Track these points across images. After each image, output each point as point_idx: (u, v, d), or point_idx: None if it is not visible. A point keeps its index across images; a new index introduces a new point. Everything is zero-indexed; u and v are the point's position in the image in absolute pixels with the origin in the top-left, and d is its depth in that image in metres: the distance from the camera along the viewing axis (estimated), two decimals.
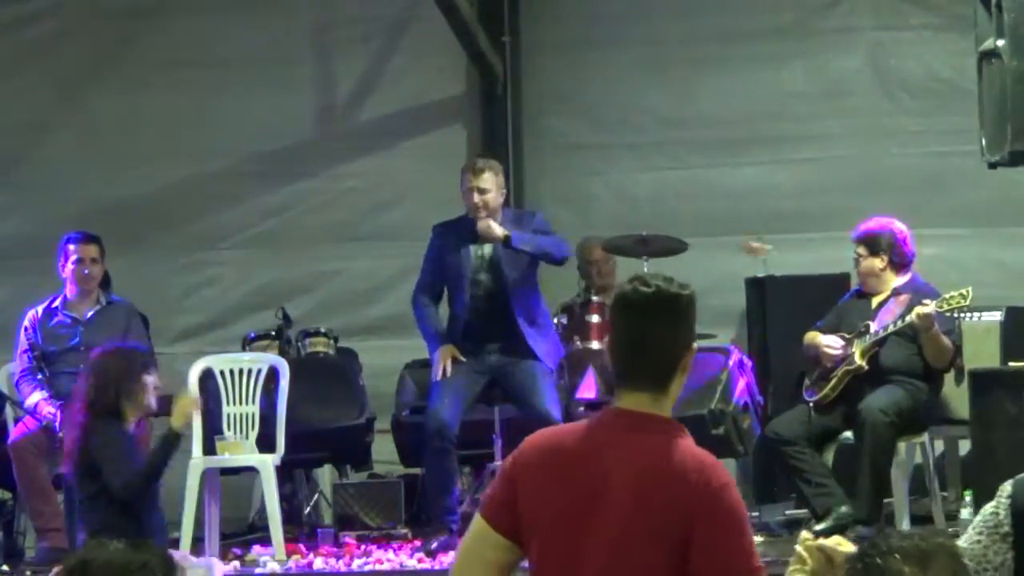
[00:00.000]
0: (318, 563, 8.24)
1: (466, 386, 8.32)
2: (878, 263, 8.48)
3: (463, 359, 8.34)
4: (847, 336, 8.45)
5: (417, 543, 8.47)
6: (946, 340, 8.23)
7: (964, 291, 8.09)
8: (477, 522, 3.88)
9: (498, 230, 8.22)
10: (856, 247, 8.56)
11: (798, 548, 3.62)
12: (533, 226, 8.40)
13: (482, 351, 8.34)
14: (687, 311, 3.84)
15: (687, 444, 3.79)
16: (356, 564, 8.16)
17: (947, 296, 8.14)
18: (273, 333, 10.08)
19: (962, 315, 8.43)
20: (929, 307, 8.11)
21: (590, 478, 3.76)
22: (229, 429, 8.77)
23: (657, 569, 3.69)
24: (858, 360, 8.34)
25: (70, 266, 8.94)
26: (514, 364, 8.27)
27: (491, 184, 8.32)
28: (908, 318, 8.21)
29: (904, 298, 8.40)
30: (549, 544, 3.78)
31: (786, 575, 3.58)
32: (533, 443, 3.88)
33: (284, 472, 9.22)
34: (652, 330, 3.81)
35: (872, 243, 8.50)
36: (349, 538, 8.84)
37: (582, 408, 9.07)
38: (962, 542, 3.88)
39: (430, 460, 8.32)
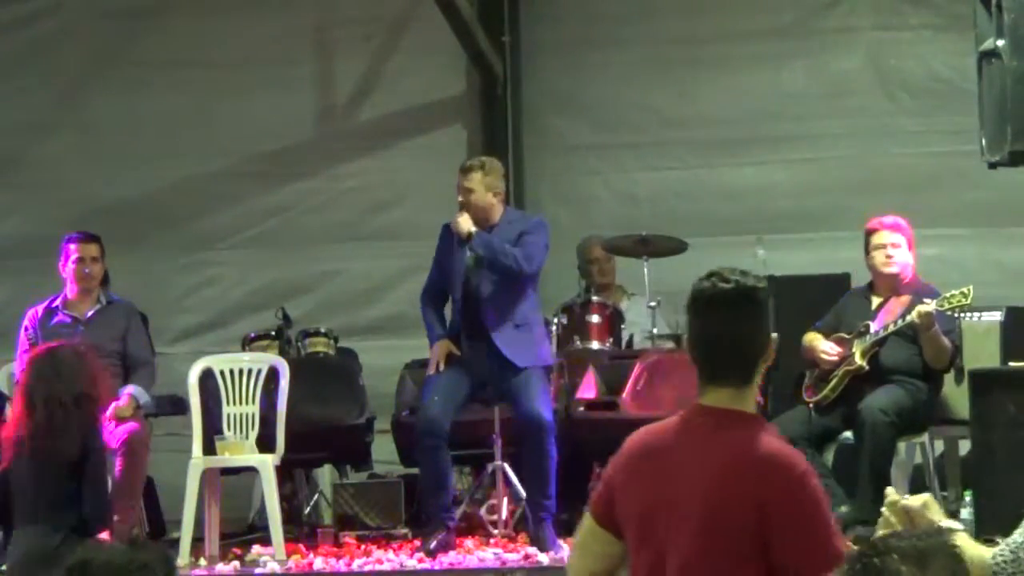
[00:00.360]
0: (318, 563, 8.23)
1: (457, 384, 8.31)
2: (912, 258, 8.49)
3: (458, 354, 8.35)
4: (847, 336, 8.45)
5: (417, 543, 8.47)
6: (946, 340, 8.23)
7: (965, 290, 8.08)
8: (586, 518, 4.09)
9: (463, 227, 8.24)
10: (891, 236, 8.47)
11: (884, 511, 3.62)
12: (523, 228, 8.36)
13: (475, 350, 8.33)
14: (765, 303, 3.98)
15: (765, 437, 3.90)
16: (356, 564, 8.15)
17: (948, 295, 8.13)
18: (273, 333, 10.08)
19: (962, 315, 8.42)
20: (930, 306, 8.11)
21: (674, 478, 3.88)
22: (229, 429, 8.76)
23: (740, 561, 3.79)
24: (858, 360, 8.34)
25: (71, 266, 8.94)
26: (504, 366, 8.24)
27: (478, 184, 8.31)
28: (909, 318, 8.21)
29: (905, 299, 8.39)
30: (640, 538, 3.92)
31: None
32: (627, 443, 4.05)
33: (284, 472, 9.21)
34: (734, 325, 3.92)
35: (910, 238, 8.50)
36: (349, 538, 8.83)
37: (582, 408, 9.07)
38: (1017, 535, 3.88)
39: (422, 457, 8.32)
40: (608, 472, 4.06)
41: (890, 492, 3.71)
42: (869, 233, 8.56)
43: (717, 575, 3.81)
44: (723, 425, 3.89)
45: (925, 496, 3.67)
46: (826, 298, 8.97)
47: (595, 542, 4.06)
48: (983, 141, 7.61)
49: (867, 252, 8.56)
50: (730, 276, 3.96)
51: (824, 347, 8.44)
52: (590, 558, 4.08)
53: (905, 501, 3.62)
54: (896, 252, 8.46)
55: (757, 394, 4.02)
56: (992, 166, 7.66)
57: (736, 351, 3.92)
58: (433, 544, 8.17)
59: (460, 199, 8.34)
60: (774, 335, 3.98)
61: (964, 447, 8.71)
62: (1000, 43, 7.36)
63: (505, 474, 8.65)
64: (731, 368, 3.92)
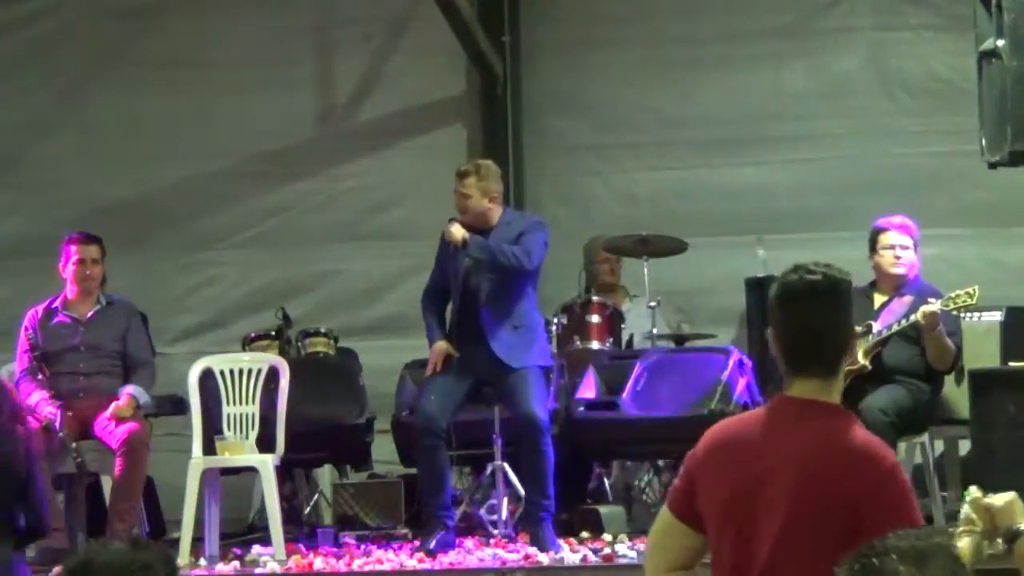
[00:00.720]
0: (318, 563, 8.23)
1: (456, 384, 8.32)
2: (918, 259, 8.50)
3: (457, 355, 8.35)
4: None
5: (417, 543, 8.47)
6: (949, 341, 8.23)
7: (971, 290, 8.08)
8: (663, 513, 4.08)
9: (457, 235, 8.24)
10: (900, 238, 8.48)
11: (965, 508, 3.62)
12: (521, 228, 8.36)
13: (473, 351, 8.33)
14: (848, 295, 4.04)
15: (853, 429, 3.94)
16: (356, 564, 8.15)
17: (953, 295, 8.13)
18: (273, 333, 10.08)
19: (963, 315, 8.43)
20: (935, 306, 8.11)
21: (758, 465, 3.89)
22: (229, 429, 8.76)
23: (826, 553, 3.76)
24: (861, 360, 8.33)
25: (71, 266, 8.93)
26: (500, 367, 8.24)
27: (473, 189, 8.31)
28: (913, 317, 8.21)
29: (908, 299, 8.40)
30: (723, 530, 3.92)
31: (954, 537, 3.56)
32: (709, 435, 4.05)
33: (284, 472, 9.22)
34: (821, 316, 3.97)
35: (917, 239, 8.50)
36: (349, 538, 8.84)
37: (582, 408, 9.06)
38: None
39: (421, 457, 8.33)
40: (687, 466, 4.05)
41: (973, 490, 3.72)
42: (877, 232, 8.56)
43: (805, 565, 3.81)
44: (809, 416, 3.93)
45: (1009, 495, 3.65)
46: None
47: (673, 537, 4.03)
48: (983, 141, 7.61)
49: (873, 251, 8.56)
50: (815, 268, 4.01)
51: None
52: (668, 553, 4.04)
53: (988, 500, 3.61)
54: (904, 254, 8.47)
55: (842, 387, 4.03)
56: (992, 166, 7.67)
57: (822, 342, 3.96)
58: (433, 544, 8.17)
59: (456, 204, 8.35)
60: (857, 329, 4.02)
61: (964, 447, 8.71)
62: (1000, 43, 7.36)
63: (505, 474, 8.65)
64: (817, 359, 3.96)
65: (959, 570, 3.17)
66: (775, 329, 4.05)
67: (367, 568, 8.06)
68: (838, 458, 3.86)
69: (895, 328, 8.31)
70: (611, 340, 9.55)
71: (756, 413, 4.07)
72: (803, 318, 3.98)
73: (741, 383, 8.89)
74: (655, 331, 9.61)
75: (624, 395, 8.97)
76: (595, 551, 8.10)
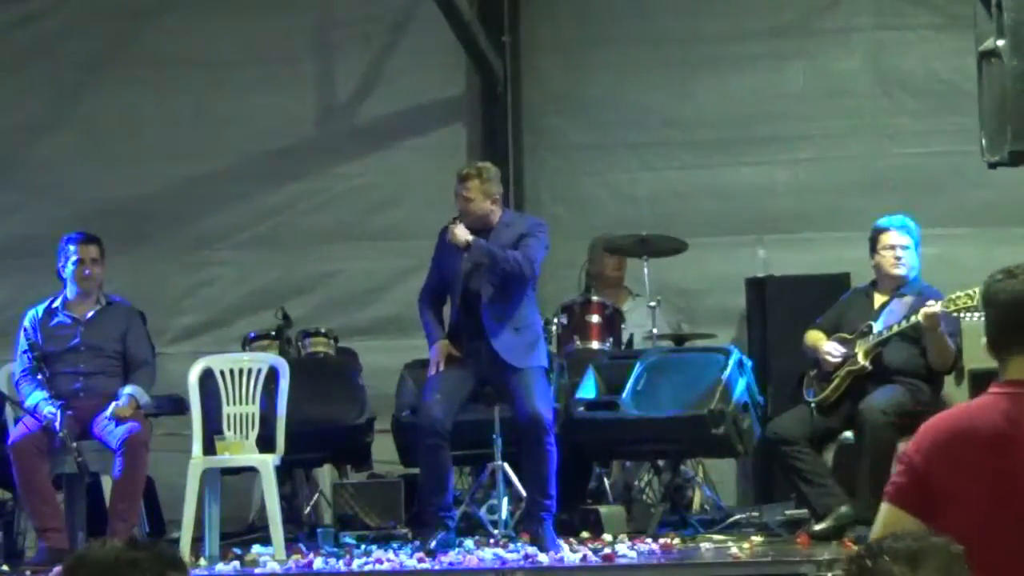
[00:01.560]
0: (318, 563, 8.23)
1: (459, 384, 8.32)
2: (918, 260, 8.50)
3: (458, 355, 8.35)
4: (848, 336, 8.45)
5: (417, 543, 8.47)
6: (950, 342, 8.23)
7: (971, 291, 8.07)
8: (888, 512, 3.98)
9: (461, 237, 8.25)
10: (901, 238, 8.49)
11: None
12: (522, 230, 8.36)
13: (473, 352, 8.33)
14: None
15: None
16: (356, 564, 8.15)
17: (953, 296, 8.13)
18: (273, 333, 10.08)
19: (964, 315, 8.42)
20: (935, 307, 8.11)
21: (1010, 451, 3.88)
22: (229, 429, 8.76)
23: None
24: (861, 360, 8.34)
25: (70, 266, 8.93)
26: (503, 365, 8.24)
27: (476, 192, 8.31)
28: (913, 318, 8.21)
29: (908, 299, 8.40)
30: (975, 523, 3.85)
31: None
32: (934, 429, 4.04)
33: (284, 472, 9.22)
34: (1019, 292, 4.10)
35: (916, 239, 8.50)
36: (349, 538, 8.84)
37: (582, 408, 9.06)
38: None
39: (424, 456, 8.32)
40: (911, 461, 3.99)
41: None
42: (878, 233, 8.56)
43: None
44: None
45: None
46: (826, 298, 8.97)
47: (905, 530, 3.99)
48: (983, 141, 7.60)
49: (874, 251, 8.56)
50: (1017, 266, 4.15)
51: (828, 348, 8.44)
52: None
53: None
54: (905, 254, 8.48)
55: None
56: (992, 166, 7.65)
57: (1021, 312, 4.04)
58: (433, 544, 8.17)
59: (458, 206, 8.35)
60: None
61: None
62: (1000, 43, 7.35)
63: (505, 474, 8.65)
64: (1021, 331, 4.02)
65: (958, 570, 3.17)
66: (985, 329, 4.12)
67: (367, 568, 8.06)
68: None
69: (895, 329, 8.31)
70: (611, 340, 9.55)
71: (978, 403, 4.06)
72: (1003, 297, 4.12)
73: (741, 383, 8.89)
74: (655, 331, 9.61)
75: (624, 395, 8.97)
76: (595, 551, 8.10)
